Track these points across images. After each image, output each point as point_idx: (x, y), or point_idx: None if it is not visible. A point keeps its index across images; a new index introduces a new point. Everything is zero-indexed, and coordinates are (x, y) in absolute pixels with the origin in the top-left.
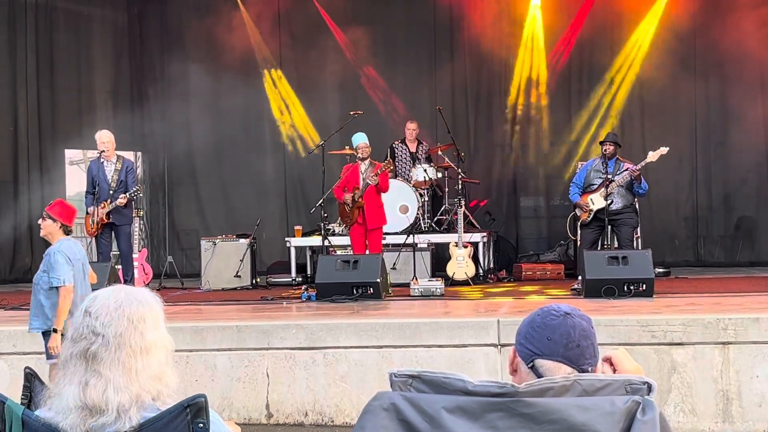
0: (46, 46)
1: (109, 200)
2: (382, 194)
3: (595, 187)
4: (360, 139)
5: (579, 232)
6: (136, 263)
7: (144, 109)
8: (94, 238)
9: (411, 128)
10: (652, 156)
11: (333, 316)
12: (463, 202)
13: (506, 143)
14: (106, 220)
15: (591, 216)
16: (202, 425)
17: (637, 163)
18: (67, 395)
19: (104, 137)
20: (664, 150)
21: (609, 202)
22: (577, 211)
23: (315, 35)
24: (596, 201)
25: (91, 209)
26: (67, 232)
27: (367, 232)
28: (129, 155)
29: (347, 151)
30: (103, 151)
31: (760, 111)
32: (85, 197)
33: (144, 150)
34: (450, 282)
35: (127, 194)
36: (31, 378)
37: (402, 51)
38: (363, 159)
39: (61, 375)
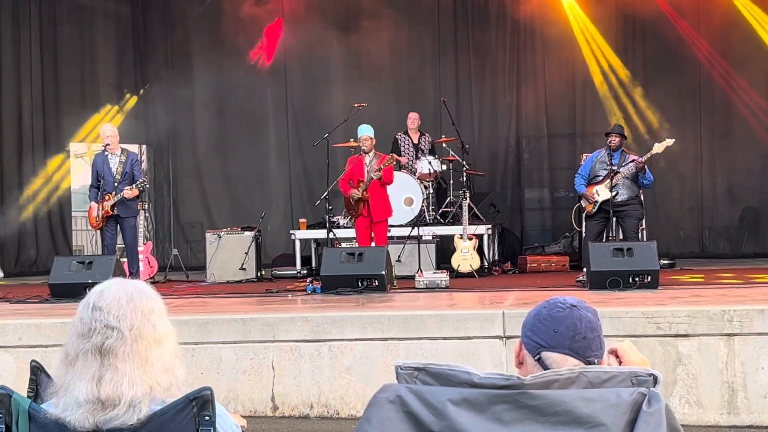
0: (50, 38)
1: (113, 192)
2: (387, 186)
3: (600, 178)
4: (364, 132)
5: (584, 223)
6: (141, 256)
7: (148, 101)
8: (98, 231)
9: (413, 118)
10: (658, 147)
11: (338, 309)
12: (467, 195)
13: (510, 135)
14: (110, 212)
15: (596, 207)
16: (208, 418)
17: (643, 155)
18: (77, 391)
19: (108, 131)
20: (669, 141)
21: (614, 193)
22: (583, 203)
23: (318, 26)
24: (601, 192)
25: (94, 202)
26: None
27: (372, 225)
28: (134, 148)
29: (351, 143)
30: (108, 144)
31: (765, 101)
32: (90, 190)
33: (148, 143)
34: (455, 274)
35: (135, 185)
36: (37, 371)
37: (406, 42)
38: (366, 152)
39: (67, 370)
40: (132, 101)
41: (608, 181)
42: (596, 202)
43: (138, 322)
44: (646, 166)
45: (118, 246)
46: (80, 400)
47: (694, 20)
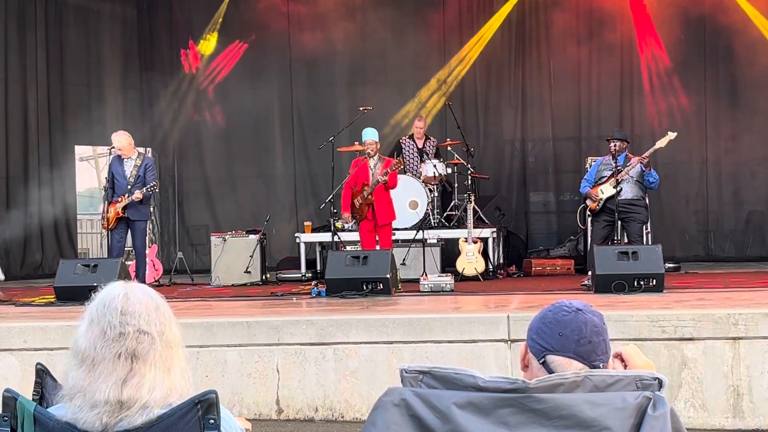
0: (55, 42)
1: (126, 195)
2: (391, 190)
3: (605, 178)
4: (368, 135)
5: (589, 223)
6: (146, 259)
7: (154, 104)
8: (108, 233)
9: (419, 126)
10: (661, 142)
11: (343, 312)
12: (472, 198)
13: (516, 138)
14: (121, 214)
15: (601, 204)
16: (213, 421)
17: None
18: (98, 393)
19: (116, 141)
20: (672, 135)
21: (618, 189)
22: (588, 202)
23: (323, 29)
24: (606, 190)
25: (101, 205)
26: None
27: (377, 228)
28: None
29: (357, 146)
30: (120, 151)
31: None
32: (105, 191)
33: (154, 146)
34: (460, 277)
35: (143, 189)
36: (42, 374)
37: (411, 45)
38: (371, 155)
39: (88, 373)
40: (137, 104)
41: (613, 179)
42: (600, 200)
43: (166, 329)
44: (649, 163)
45: (126, 249)
46: (99, 402)
47: (699, 22)
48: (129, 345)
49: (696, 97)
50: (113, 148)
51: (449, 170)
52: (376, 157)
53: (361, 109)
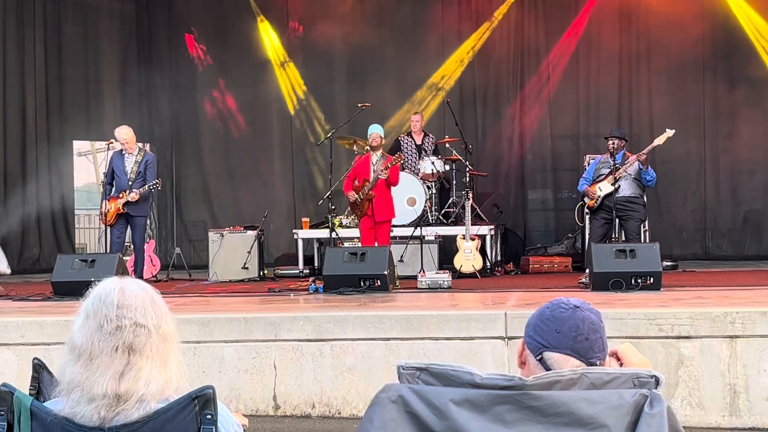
0: (54, 37)
1: (127, 191)
2: (392, 187)
3: (603, 176)
4: (374, 130)
5: (587, 220)
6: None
7: (152, 100)
8: (108, 228)
9: (416, 120)
10: (659, 140)
11: (340, 308)
12: (470, 195)
13: (514, 136)
14: (121, 210)
15: (598, 202)
16: (209, 417)
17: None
18: (96, 386)
19: (120, 135)
20: (670, 132)
21: (616, 186)
22: (586, 199)
23: (322, 25)
24: (603, 188)
25: (104, 201)
26: None
27: (375, 225)
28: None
29: (356, 140)
30: (126, 143)
31: None
32: (104, 187)
33: (152, 141)
34: (457, 274)
35: (142, 189)
36: (39, 369)
37: (410, 41)
38: (375, 149)
39: (85, 367)
40: (135, 100)
41: (611, 177)
42: (599, 197)
43: (162, 322)
44: (647, 160)
45: (125, 244)
46: (97, 395)
47: (699, 22)
48: (126, 338)
49: (694, 96)
50: (112, 142)
51: (447, 167)
52: (378, 153)
53: (359, 105)
